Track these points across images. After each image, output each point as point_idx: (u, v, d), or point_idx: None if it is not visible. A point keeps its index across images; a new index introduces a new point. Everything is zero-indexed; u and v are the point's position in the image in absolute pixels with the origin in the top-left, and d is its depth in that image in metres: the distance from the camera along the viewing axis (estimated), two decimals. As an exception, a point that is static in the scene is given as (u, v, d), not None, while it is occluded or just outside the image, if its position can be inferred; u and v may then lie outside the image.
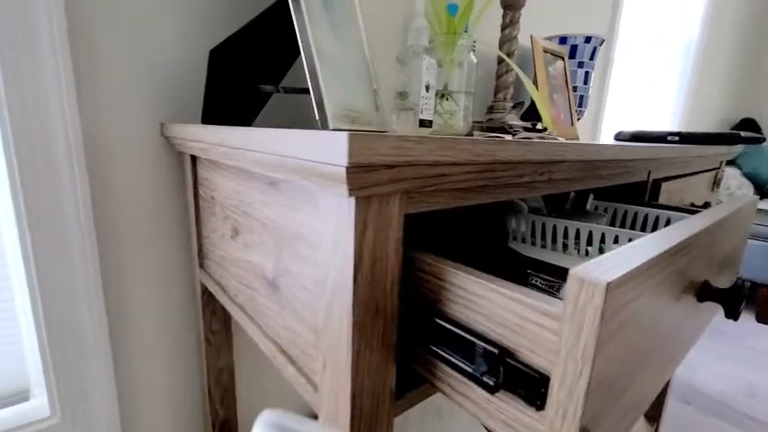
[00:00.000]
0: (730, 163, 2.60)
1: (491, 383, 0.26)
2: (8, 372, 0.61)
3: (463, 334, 0.29)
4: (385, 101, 0.87)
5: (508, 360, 0.26)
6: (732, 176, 2.49)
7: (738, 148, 1.08)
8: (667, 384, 1.11)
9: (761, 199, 2.52)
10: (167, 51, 0.60)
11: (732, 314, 0.35)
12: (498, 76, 0.92)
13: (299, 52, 0.44)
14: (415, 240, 0.31)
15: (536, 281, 0.44)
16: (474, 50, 0.78)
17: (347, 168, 0.24)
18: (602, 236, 0.48)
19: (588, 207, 0.67)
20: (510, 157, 0.33)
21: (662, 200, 0.68)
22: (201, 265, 0.64)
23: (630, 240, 0.44)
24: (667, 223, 0.58)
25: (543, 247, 0.54)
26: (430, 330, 0.31)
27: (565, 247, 0.52)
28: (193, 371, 0.74)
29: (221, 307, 0.69)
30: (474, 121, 0.89)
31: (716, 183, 1.06)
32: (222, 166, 0.51)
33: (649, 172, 0.65)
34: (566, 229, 0.50)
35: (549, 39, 1.11)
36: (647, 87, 2.13)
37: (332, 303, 0.31)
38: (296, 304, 0.37)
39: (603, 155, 0.47)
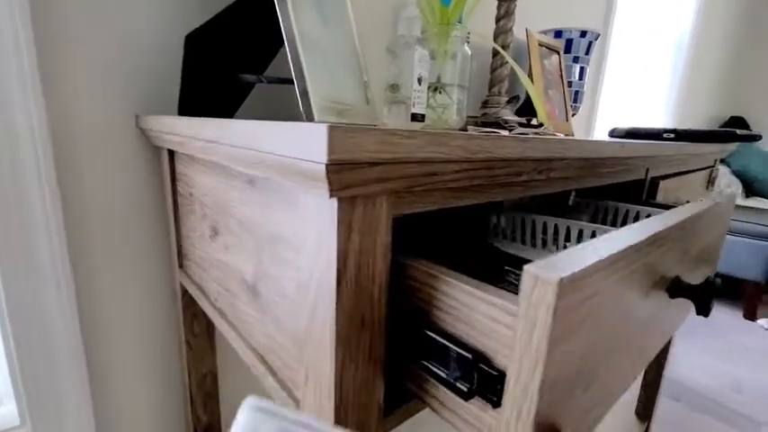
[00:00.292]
0: (720, 161, 2.61)
1: (464, 389, 0.25)
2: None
3: (445, 342, 0.27)
4: (375, 94, 0.84)
5: (482, 366, 0.25)
6: (722, 175, 2.51)
7: (732, 147, 1.07)
8: (659, 383, 1.11)
9: (748, 197, 2.55)
10: (141, 37, 0.57)
11: (702, 310, 0.34)
12: (493, 70, 0.89)
13: (284, 40, 0.40)
14: (394, 237, 0.29)
15: (512, 277, 0.43)
16: (468, 42, 0.75)
17: (327, 166, 0.21)
18: (580, 232, 0.46)
19: (570, 203, 0.65)
20: (508, 155, 0.31)
21: (659, 198, 0.66)
22: (181, 266, 0.60)
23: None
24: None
25: (524, 243, 0.53)
26: (420, 342, 0.29)
27: (544, 243, 0.51)
28: (174, 376, 0.70)
29: (202, 312, 0.66)
30: (468, 116, 0.87)
31: (710, 181, 1.05)
32: (200, 161, 0.47)
33: (647, 170, 0.63)
34: (544, 225, 0.49)
35: (545, 32, 1.09)
36: (639, 83, 2.13)
37: (314, 312, 0.28)
38: (277, 312, 0.35)
39: (603, 152, 0.45)
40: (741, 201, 2.44)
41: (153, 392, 0.68)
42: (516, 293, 0.23)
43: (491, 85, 0.90)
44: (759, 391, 1.50)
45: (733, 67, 2.98)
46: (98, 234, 0.58)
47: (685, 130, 0.87)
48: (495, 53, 0.89)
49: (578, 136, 1.30)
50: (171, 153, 0.56)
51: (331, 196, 0.22)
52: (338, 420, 0.28)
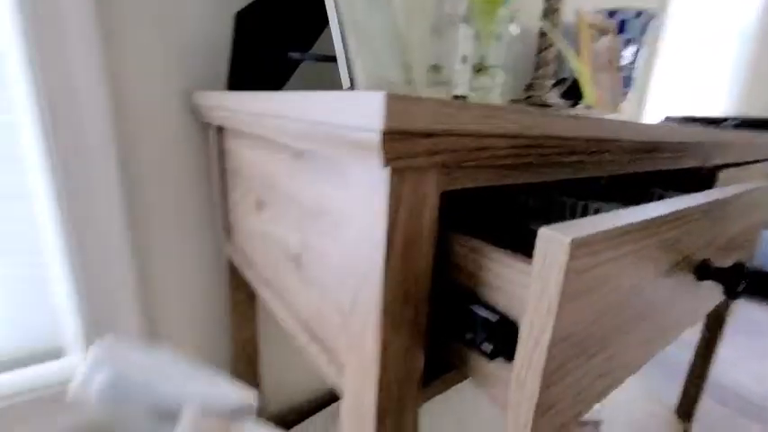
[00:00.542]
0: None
1: (487, 351, 0.26)
2: (38, 328, 0.60)
3: (474, 309, 0.28)
4: (417, 75, 0.82)
5: (505, 329, 0.26)
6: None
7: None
8: (702, 383, 1.06)
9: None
10: (192, 18, 0.58)
11: (730, 293, 0.34)
12: (539, 51, 0.85)
13: (328, 19, 0.41)
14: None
15: None
16: (515, 21, 0.72)
17: (383, 133, 0.21)
18: None
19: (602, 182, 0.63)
20: (563, 132, 0.30)
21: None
22: (228, 237, 0.63)
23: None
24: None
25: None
26: (463, 317, 0.29)
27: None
28: (219, 340, 0.75)
29: (244, 282, 0.69)
30: (512, 99, 0.84)
31: (775, 173, 0.96)
32: (247, 136, 0.49)
33: (707, 158, 0.59)
34: (584, 208, 0.49)
35: (597, 12, 1.03)
36: (696, 70, 1.98)
37: (360, 287, 0.29)
38: (321, 283, 0.36)
39: (659, 135, 0.43)
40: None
41: (198, 355, 0.73)
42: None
43: (537, 68, 0.86)
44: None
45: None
46: (152, 205, 0.62)
47: (750, 118, 0.81)
48: (543, 33, 0.85)
49: (627, 123, 1.23)
50: (219, 129, 0.58)
51: (385, 165, 0.23)
52: (380, 389, 0.29)
